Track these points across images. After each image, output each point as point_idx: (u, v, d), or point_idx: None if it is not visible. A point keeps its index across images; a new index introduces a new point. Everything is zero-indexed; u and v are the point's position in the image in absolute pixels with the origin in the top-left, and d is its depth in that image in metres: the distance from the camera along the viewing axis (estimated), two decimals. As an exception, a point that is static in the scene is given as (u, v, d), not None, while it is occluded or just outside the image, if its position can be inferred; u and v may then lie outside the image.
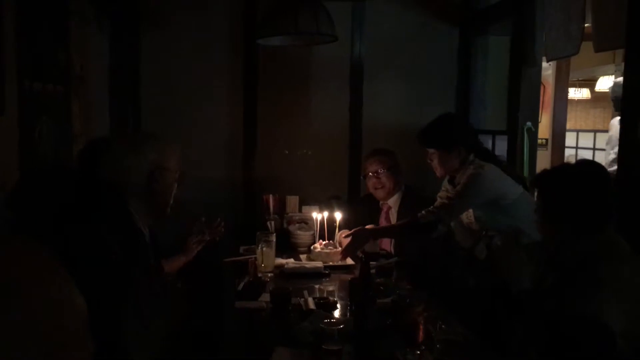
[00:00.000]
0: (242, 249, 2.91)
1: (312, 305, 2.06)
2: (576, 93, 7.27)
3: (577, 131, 8.08)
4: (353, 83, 3.77)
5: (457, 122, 2.69)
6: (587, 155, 5.86)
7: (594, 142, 5.42)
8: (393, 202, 3.06)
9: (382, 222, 3.09)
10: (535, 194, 1.93)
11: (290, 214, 3.39)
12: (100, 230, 1.40)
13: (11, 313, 0.68)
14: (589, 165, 1.80)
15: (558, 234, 1.75)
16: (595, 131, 5.45)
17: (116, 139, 1.79)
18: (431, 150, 2.63)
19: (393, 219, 3.04)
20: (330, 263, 2.74)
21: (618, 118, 4.75)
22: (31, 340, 0.71)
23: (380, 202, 3.12)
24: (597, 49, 2.50)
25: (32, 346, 0.70)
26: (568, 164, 1.83)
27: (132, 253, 1.41)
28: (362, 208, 3.24)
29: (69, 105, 2.32)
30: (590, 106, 7.10)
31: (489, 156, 2.65)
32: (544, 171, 1.97)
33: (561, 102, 5.96)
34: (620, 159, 2.22)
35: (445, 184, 2.76)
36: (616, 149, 4.14)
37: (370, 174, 3.05)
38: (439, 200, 2.61)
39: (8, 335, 0.66)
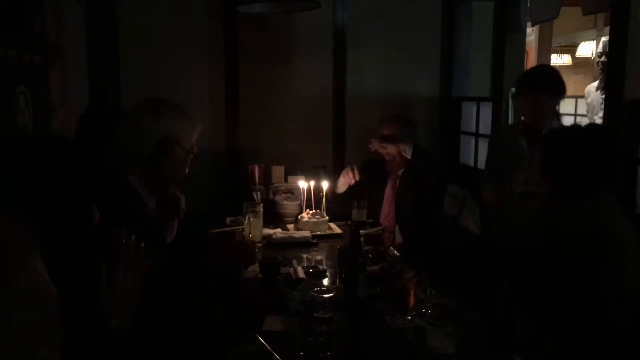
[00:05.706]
0: (228, 220, 2.89)
1: (301, 274, 2.06)
2: (558, 59, 7.27)
3: (558, 97, 8.07)
4: (336, 51, 3.71)
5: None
6: (569, 120, 5.86)
7: (575, 108, 5.42)
8: (401, 171, 3.02)
9: (389, 191, 3.06)
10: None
11: (276, 184, 3.38)
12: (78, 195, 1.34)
13: None
14: (596, 129, 1.78)
15: (554, 193, 1.73)
16: (576, 97, 5.44)
17: (135, 105, 1.71)
18: (539, 96, 2.35)
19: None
20: (318, 232, 2.74)
21: (593, 84, 4.76)
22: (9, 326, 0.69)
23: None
24: (585, 12, 2.50)
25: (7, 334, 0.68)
26: (577, 125, 1.78)
27: (120, 218, 1.34)
28: (371, 172, 3.12)
29: (47, 75, 2.24)
30: (572, 72, 7.10)
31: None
32: (552, 130, 1.94)
33: (543, 68, 5.95)
34: (605, 118, 2.23)
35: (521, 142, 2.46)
36: (600, 114, 4.16)
37: (380, 138, 2.96)
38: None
39: None
